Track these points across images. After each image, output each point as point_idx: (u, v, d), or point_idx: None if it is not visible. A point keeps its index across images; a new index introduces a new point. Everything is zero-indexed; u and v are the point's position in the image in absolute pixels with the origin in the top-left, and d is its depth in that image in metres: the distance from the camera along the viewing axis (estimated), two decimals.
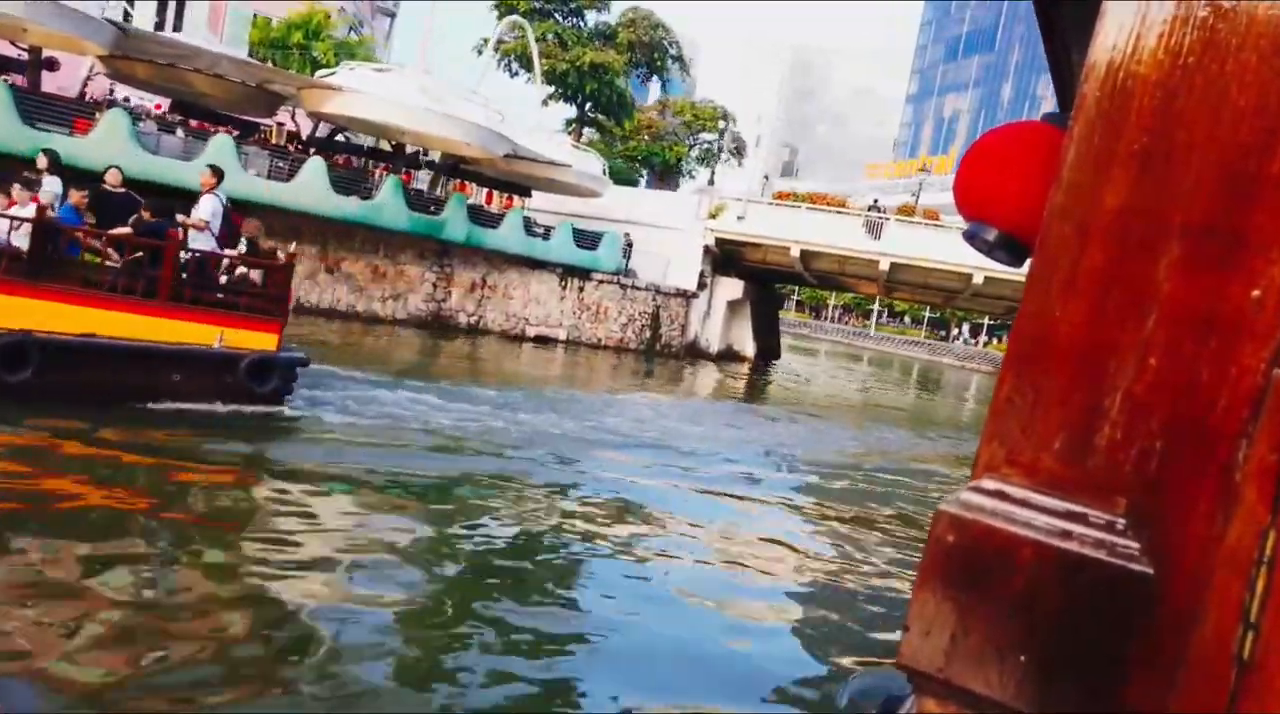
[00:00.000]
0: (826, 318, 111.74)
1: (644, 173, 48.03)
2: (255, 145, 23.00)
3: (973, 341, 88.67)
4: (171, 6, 27.18)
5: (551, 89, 39.28)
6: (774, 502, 11.93)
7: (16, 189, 9.52)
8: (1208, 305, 0.85)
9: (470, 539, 8.01)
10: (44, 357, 9.02)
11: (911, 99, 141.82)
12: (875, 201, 34.42)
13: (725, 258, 33.68)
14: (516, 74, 39.52)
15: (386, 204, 23.16)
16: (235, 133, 24.50)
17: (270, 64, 25.28)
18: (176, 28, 27.61)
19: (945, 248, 28.23)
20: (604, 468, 11.71)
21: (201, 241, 10.33)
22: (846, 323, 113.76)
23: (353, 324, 23.61)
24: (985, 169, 1.37)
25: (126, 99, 27.10)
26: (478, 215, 26.11)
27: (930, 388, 49.54)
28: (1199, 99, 0.87)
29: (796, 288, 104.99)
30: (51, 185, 10.08)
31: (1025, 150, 1.33)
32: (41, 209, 9.35)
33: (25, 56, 20.79)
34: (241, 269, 10.77)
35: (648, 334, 30.40)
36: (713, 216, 31.99)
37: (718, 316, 33.80)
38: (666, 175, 47.86)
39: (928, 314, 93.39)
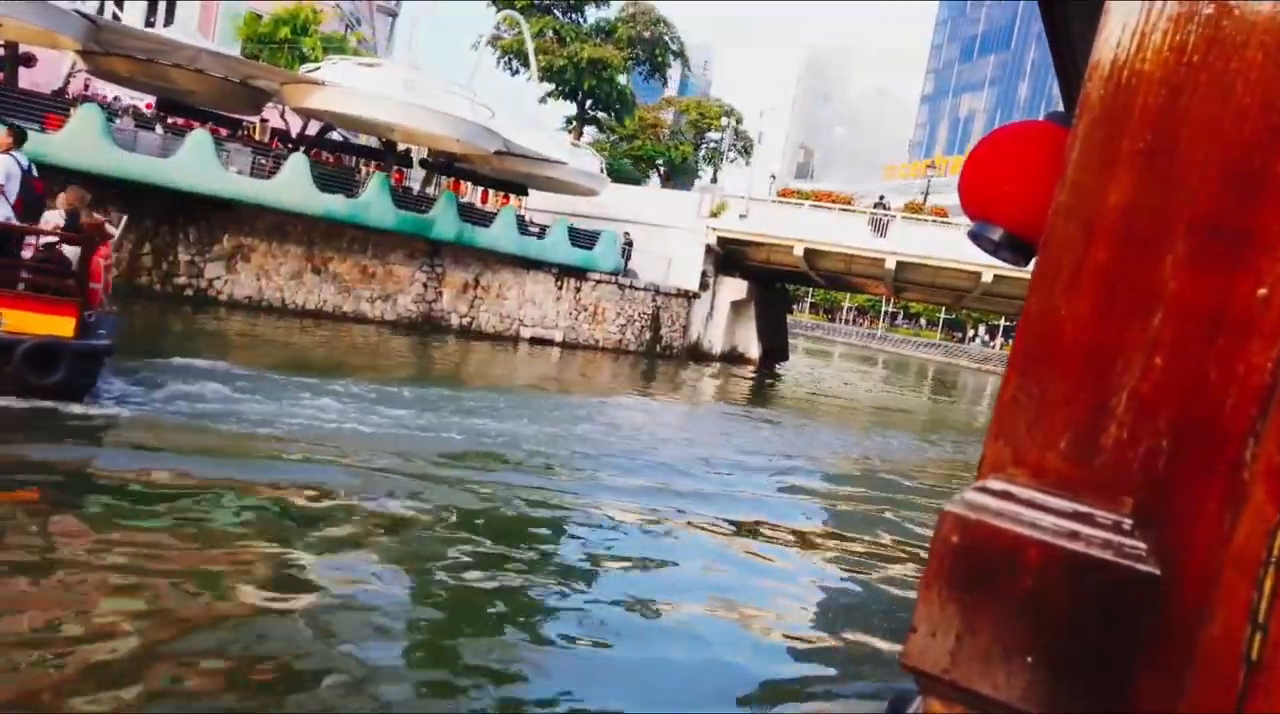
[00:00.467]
0: (841, 320, 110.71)
1: (651, 173, 47.31)
2: (238, 142, 22.42)
3: (989, 343, 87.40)
4: (162, 6, 26.72)
5: (551, 87, 38.62)
6: (774, 509, 11.20)
7: None
8: (1214, 304, 0.85)
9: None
10: None
11: (927, 99, 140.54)
12: (881, 198, 33.54)
13: (728, 257, 32.93)
14: (517, 72, 38.92)
15: (373, 202, 22.56)
16: (225, 132, 24.02)
17: (258, 61, 24.79)
18: (168, 26, 27.16)
19: (953, 246, 27.35)
20: (564, 476, 10.97)
21: None
22: (861, 325, 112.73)
23: (340, 325, 23.03)
24: (990, 168, 1.37)
25: (117, 98, 26.68)
26: (469, 213, 25.47)
27: (945, 390, 48.54)
28: (1204, 96, 0.87)
29: (810, 290, 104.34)
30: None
31: (1030, 149, 1.32)
32: None
33: (2, 53, 20.31)
34: (64, 247, 9.09)
35: (647, 335, 29.67)
36: (714, 215, 31.24)
37: (721, 317, 33.04)
38: (674, 175, 47.12)
39: (943, 316, 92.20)
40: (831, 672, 6.57)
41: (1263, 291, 0.83)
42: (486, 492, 9.25)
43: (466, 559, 7.21)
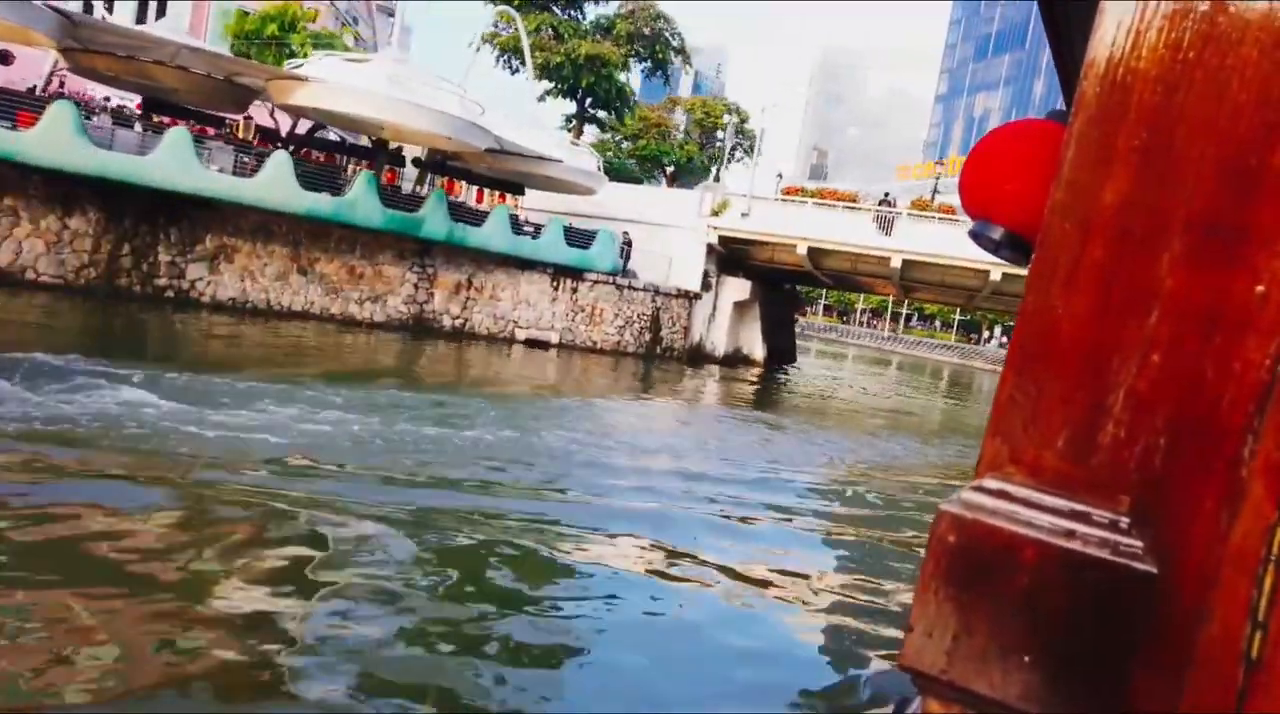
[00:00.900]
0: (855, 322, 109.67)
1: (658, 174, 46.65)
2: (220, 140, 21.92)
3: (1005, 344, 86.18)
4: (153, 5, 26.32)
5: (549, 85, 38.01)
6: (774, 514, 10.52)
7: None
8: (1211, 301, 0.86)
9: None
10: None
11: (941, 99, 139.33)
12: (886, 195, 32.74)
13: (731, 257, 32.21)
14: (517, 71, 38.33)
15: (360, 200, 22.00)
16: (211, 131, 23.54)
17: (247, 59, 24.31)
18: (159, 23, 26.74)
19: (961, 244, 26.49)
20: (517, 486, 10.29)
21: None
22: (875, 327, 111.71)
23: (328, 328, 22.48)
24: (990, 167, 1.37)
25: (108, 99, 26.29)
26: (461, 212, 24.88)
27: (958, 392, 47.58)
28: (1199, 94, 0.88)
29: (823, 292, 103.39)
30: None
31: (1030, 148, 1.32)
32: None
33: None
34: None
35: (647, 337, 28.98)
36: (716, 214, 30.53)
37: (724, 318, 32.30)
38: (681, 176, 46.43)
39: (958, 317, 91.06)
40: (838, 674, 6.52)
41: (1260, 289, 0.83)
42: (464, 510, 8.42)
43: (441, 591, 6.53)
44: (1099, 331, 0.89)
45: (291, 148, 24.78)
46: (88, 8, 24.66)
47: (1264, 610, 0.78)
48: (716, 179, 36.97)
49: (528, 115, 27.76)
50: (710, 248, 30.96)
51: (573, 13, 38.97)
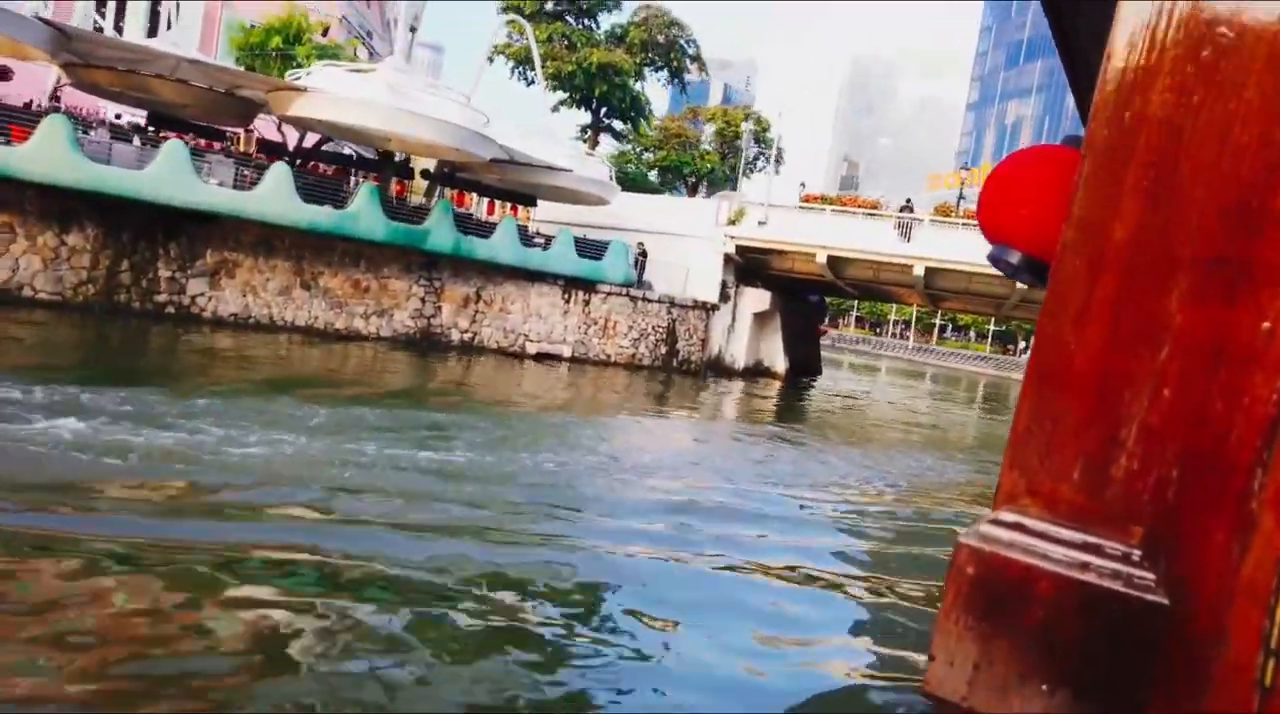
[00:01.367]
0: (887, 334, 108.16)
1: (679, 185, 46.05)
2: (221, 154, 21.64)
3: None
4: (164, 18, 26.22)
5: (563, 95, 37.57)
6: (793, 544, 9.68)
7: None
8: (1219, 337, 0.89)
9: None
10: None
11: (973, 107, 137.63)
12: (908, 201, 31.81)
13: (749, 267, 31.47)
14: (532, 82, 37.97)
15: (362, 212, 21.58)
16: (216, 145, 23.32)
17: (252, 72, 24.08)
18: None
19: (985, 250, 25.54)
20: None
21: None
22: (908, 339, 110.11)
23: (331, 344, 22.04)
24: (1006, 193, 1.45)
25: (119, 115, 26.22)
26: (468, 224, 24.40)
27: (993, 406, 46.21)
28: (1203, 136, 0.92)
29: (855, 303, 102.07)
30: None
31: (1045, 174, 1.35)
32: None
33: None
34: None
35: (663, 350, 28.28)
36: (733, 223, 29.83)
37: (743, 330, 31.52)
38: (703, 187, 45.79)
39: (992, 327, 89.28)
40: (857, 706, 5.98)
41: (1266, 325, 0.85)
42: (443, 563, 7.54)
43: (447, 625, 5.82)
44: (1111, 366, 0.91)
45: (298, 161, 24.51)
46: (96, 26, 24.62)
47: (1276, 639, 0.78)
48: (734, 188, 36.24)
49: (539, 126, 27.27)
50: (728, 258, 30.24)
51: (586, 22, 38.56)
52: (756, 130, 42.30)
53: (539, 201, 29.01)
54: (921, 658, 4.69)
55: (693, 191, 45.78)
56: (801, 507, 11.82)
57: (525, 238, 25.48)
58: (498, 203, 29.27)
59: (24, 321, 17.67)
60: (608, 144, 41.86)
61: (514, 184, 26.64)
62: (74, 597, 5.51)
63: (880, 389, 45.98)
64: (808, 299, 39.90)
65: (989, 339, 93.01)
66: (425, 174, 26.78)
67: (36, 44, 17.22)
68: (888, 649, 6.88)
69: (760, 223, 29.63)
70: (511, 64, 37.62)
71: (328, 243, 21.99)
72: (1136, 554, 0.87)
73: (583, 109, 38.90)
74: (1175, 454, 0.87)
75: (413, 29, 41.28)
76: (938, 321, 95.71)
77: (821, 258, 29.01)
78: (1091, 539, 0.89)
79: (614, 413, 19.74)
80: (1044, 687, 0.90)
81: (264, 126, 25.68)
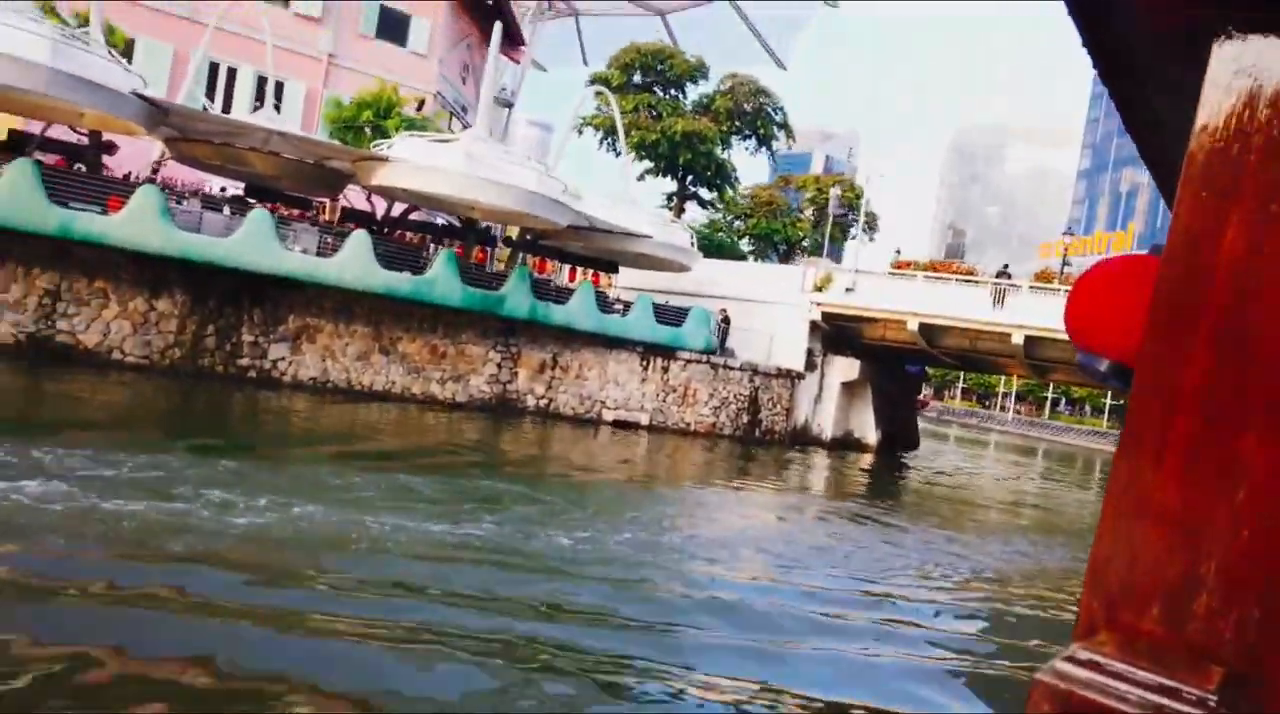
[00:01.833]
0: (996, 406, 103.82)
1: (769, 253, 45.51)
2: (306, 221, 22.22)
3: None
4: (269, 96, 27.54)
5: (649, 164, 37.72)
6: (876, 644, 8.74)
7: None
8: None
9: None
10: None
11: (1084, 174, 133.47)
12: (1005, 267, 30.35)
13: (837, 335, 30.43)
14: (621, 153, 38.34)
15: (439, 278, 21.73)
16: (305, 214, 24.05)
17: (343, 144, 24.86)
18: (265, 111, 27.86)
19: None
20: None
21: None
22: (1020, 412, 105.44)
23: (408, 408, 22.06)
24: (1093, 301, 1.43)
25: (224, 189, 27.44)
26: (545, 290, 24.32)
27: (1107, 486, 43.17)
28: (1274, 283, 0.92)
29: (961, 374, 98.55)
30: None
31: (1131, 283, 1.35)
32: None
33: (87, 141, 20.97)
34: None
35: (745, 418, 27.39)
36: (819, 289, 28.98)
37: (831, 399, 30.36)
38: (792, 255, 45.13)
39: (1109, 401, 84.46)
40: None
41: None
42: (517, 639, 6.98)
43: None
44: (1190, 503, 0.88)
45: (386, 229, 25.06)
46: (203, 107, 25.91)
47: None
48: (824, 255, 35.44)
49: (623, 194, 27.26)
50: (814, 325, 29.33)
51: (674, 92, 38.87)
52: (849, 197, 41.54)
53: (621, 268, 28.88)
54: None
55: (785, 259, 45.13)
56: (872, 601, 10.66)
57: (603, 304, 25.25)
58: (579, 270, 29.23)
59: (113, 383, 18.23)
60: (694, 212, 41.78)
61: (596, 251, 26.59)
62: None
63: (985, 465, 43.64)
64: (905, 369, 38.44)
65: (1105, 414, 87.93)
66: (508, 241, 27.00)
67: (132, 118, 18.07)
68: None
69: (848, 289, 28.70)
70: (600, 135, 38.14)
71: (406, 308, 22.18)
72: (1213, 700, 0.83)
73: (668, 177, 38.98)
74: (1256, 593, 0.86)
75: (507, 105, 42.46)
76: (1049, 395, 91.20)
77: (913, 325, 27.81)
78: (1168, 682, 0.86)
79: (693, 485, 18.95)
80: None
81: (357, 198, 26.42)
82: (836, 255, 48.77)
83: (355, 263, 20.75)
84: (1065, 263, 33.53)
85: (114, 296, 19.26)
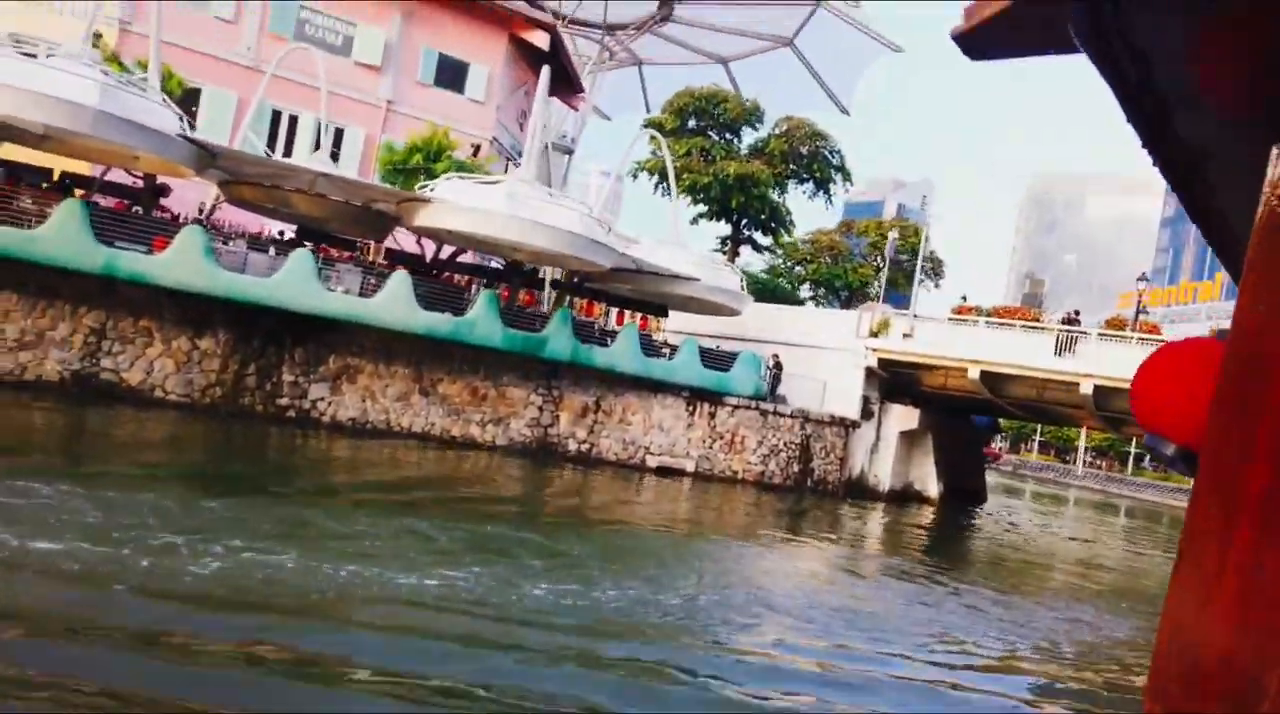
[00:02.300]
0: (1076, 460, 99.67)
1: (830, 298, 44.59)
2: (349, 262, 22.31)
3: None
4: (326, 143, 28.07)
5: (703, 207, 37.35)
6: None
7: None
8: None
9: None
10: None
11: (1167, 223, 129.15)
12: (1075, 313, 28.93)
13: (896, 382, 29.31)
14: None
15: (479, 319, 21.53)
16: (348, 255, 24.20)
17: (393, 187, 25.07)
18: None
19: None
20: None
21: None
22: (1101, 467, 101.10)
23: (446, 451, 21.76)
24: (1159, 384, 1.40)
25: (281, 232, 27.90)
26: (588, 332, 23.93)
27: None
28: None
29: (1038, 427, 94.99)
30: None
31: (1196, 368, 1.33)
32: None
33: (142, 184, 21.47)
34: None
35: (795, 467, 26.41)
36: (875, 334, 28.00)
37: (888, 449, 29.16)
38: (854, 301, 44.14)
39: None
40: None
41: None
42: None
43: None
44: (1249, 620, 0.85)
45: (435, 271, 25.05)
46: (268, 153, 26.47)
47: None
48: (880, 300, 34.41)
49: (672, 237, 26.87)
50: (870, 372, 28.31)
51: (728, 136, 38.58)
52: (912, 242, 40.52)
53: (671, 312, 28.40)
54: None
55: (847, 305, 44.16)
56: (953, 675, 9.67)
57: (649, 347, 24.73)
58: (627, 313, 28.83)
59: (154, 421, 18.34)
60: (749, 256, 41.23)
61: (645, 294, 26.18)
62: None
63: (1058, 522, 41.49)
64: (971, 419, 36.93)
65: None
66: (555, 283, 26.77)
67: (181, 160, 18.39)
68: None
69: (905, 335, 27.66)
70: (655, 179, 38.01)
71: (446, 349, 22.00)
72: None
73: (721, 220, 38.56)
74: None
75: (567, 151, 42.77)
76: (1132, 449, 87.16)
77: (974, 373, 26.59)
78: None
79: (741, 538, 18.10)
80: None
81: (408, 240, 26.55)
82: (903, 302, 47.54)
83: (395, 303, 20.69)
84: (1142, 311, 31.87)
85: (158, 335, 19.48)
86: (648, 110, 42.87)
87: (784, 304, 35.47)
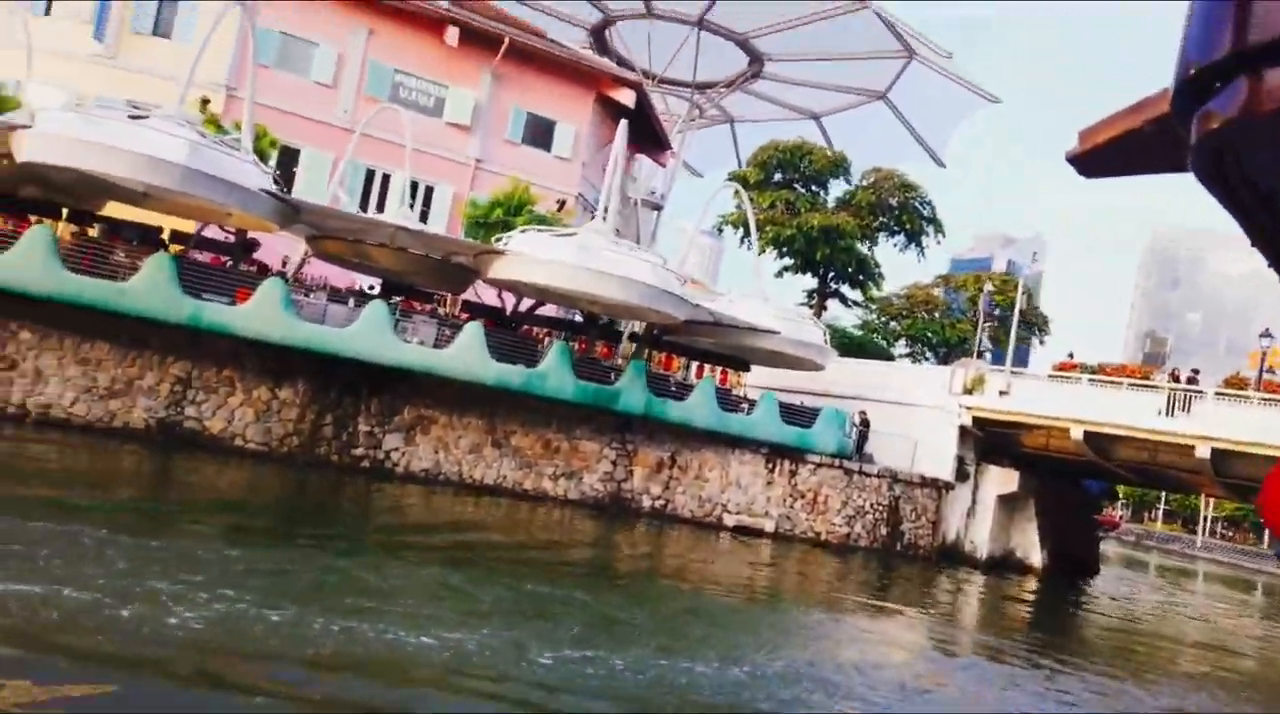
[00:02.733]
0: (1205, 531, 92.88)
1: (926, 354, 43.03)
2: (427, 314, 22.51)
3: None
4: (419, 203, 28.77)
5: (788, 261, 36.65)
6: None
7: None
8: None
9: None
10: None
11: None
12: (1195, 372, 26.87)
13: (994, 442, 27.75)
14: (764, 250, 37.64)
15: (551, 371, 21.33)
16: (428, 307, 24.49)
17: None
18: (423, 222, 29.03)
19: None
20: None
21: None
22: (1233, 539, 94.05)
23: (518, 505, 21.47)
24: None
25: (372, 287, 28.57)
26: (663, 386, 23.44)
27: None
28: None
29: (1162, 495, 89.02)
30: None
31: None
32: None
33: (233, 239, 22.27)
34: None
35: (883, 530, 25.10)
36: (969, 391, 26.62)
37: (986, 514, 27.50)
38: (951, 357, 42.47)
39: None
40: None
41: None
42: None
43: None
44: None
45: (514, 324, 25.12)
46: (357, 207, 27.28)
47: None
48: (979, 353, 32.86)
49: (755, 289, 26.32)
50: (964, 430, 26.88)
51: (813, 188, 37.98)
52: (1011, 296, 38.82)
53: (753, 367, 27.70)
54: None
55: (944, 361, 42.52)
56: None
57: (726, 401, 24.06)
58: (707, 367, 28.25)
59: (232, 470, 18.69)
60: (838, 310, 40.20)
61: (726, 348, 25.61)
62: None
63: (1181, 598, 38.29)
64: (1081, 484, 34.68)
65: None
66: (633, 337, 26.46)
67: (266, 215, 18.95)
68: None
69: (1001, 392, 26.20)
70: (740, 233, 37.66)
71: (519, 401, 21.85)
72: None
73: (807, 273, 37.79)
74: None
75: (656, 207, 42.88)
76: None
77: (1077, 433, 24.90)
78: None
79: (824, 607, 17.07)
80: None
81: (488, 293, 26.77)
82: (996, 358, 45.60)
83: (468, 354, 20.70)
84: (1269, 370, 29.46)
85: (239, 385, 19.94)
86: (740, 166, 42.81)
87: (875, 359, 34.30)
